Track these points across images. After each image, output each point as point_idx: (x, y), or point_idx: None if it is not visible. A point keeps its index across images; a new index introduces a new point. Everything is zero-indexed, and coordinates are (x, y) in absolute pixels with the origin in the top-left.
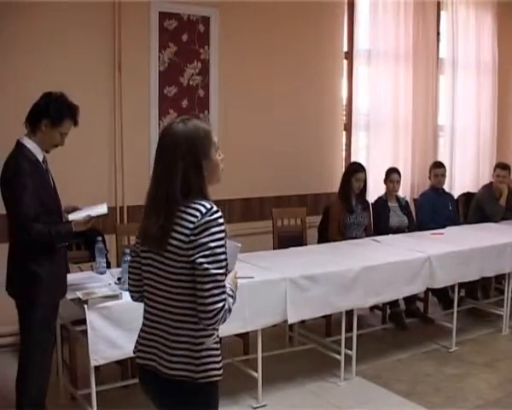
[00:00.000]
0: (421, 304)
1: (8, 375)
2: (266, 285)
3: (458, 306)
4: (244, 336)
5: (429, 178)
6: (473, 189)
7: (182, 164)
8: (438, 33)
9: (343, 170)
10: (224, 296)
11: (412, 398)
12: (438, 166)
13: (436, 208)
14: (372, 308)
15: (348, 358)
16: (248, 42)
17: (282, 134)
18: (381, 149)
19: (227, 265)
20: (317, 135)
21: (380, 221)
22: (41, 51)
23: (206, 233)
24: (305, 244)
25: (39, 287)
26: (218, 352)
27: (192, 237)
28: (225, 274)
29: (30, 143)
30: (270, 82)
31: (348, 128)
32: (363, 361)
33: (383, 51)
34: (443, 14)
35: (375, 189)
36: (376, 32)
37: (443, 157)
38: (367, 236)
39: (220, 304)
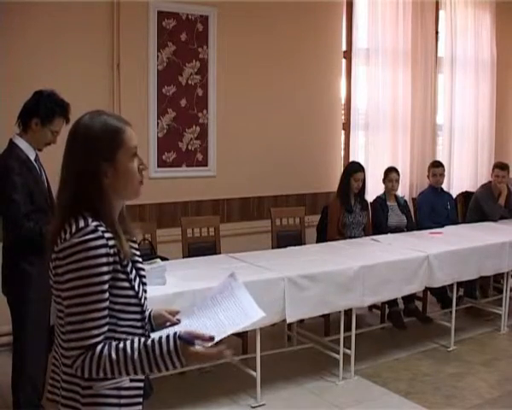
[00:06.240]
0: (420, 303)
1: (4, 374)
2: (265, 284)
3: (457, 305)
4: (243, 336)
5: (428, 177)
6: (471, 188)
7: (76, 165)
8: (436, 32)
9: (342, 169)
10: (86, 344)
11: (411, 397)
12: (436, 165)
13: (435, 208)
14: (371, 308)
15: (347, 357)
16: (247, 41)
17: (281, 133)
18: (379, 148)
19: (99, 301)
20: (316, 134)
21: (378, 220)
22: (39, 50)
23: (70, 260)
24: (304, 244)
25: (30, 284)
26: (116, 401)
27: (57, 262)
28: (96, 310)
29: (22, 142)
30: (268, 81)
31: (347, 127)
32: (362, 361)
33: (382, 50)
34: (441, 13)
35: (374, 188)
36: (375, 31)
37: (441, 156)
38: (366, 235)
39: (75, 352)
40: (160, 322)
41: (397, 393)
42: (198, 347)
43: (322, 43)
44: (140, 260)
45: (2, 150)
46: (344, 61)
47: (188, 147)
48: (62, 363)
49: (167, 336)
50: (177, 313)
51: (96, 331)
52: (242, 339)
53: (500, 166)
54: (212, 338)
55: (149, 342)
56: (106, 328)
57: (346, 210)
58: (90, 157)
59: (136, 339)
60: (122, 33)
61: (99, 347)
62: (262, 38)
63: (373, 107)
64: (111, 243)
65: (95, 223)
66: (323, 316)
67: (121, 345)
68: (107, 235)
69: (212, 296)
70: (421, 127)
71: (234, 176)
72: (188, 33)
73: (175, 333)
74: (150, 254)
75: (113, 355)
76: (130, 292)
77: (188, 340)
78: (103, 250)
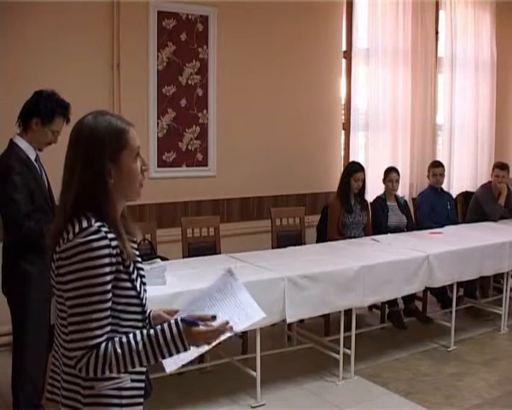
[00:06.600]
0: (420, 303)
1: (4, 374)
2: (265, 284)
3: (457, 305)
4: (243, 336)
5: (428, 177)
6: (471, 188)
7: (80, 165)
8: (436, 32)
9: (342, 169)
10: (89, 344)
11: (411, 397)
12: (436, 165)
13: (435, 208)
14: (371, 308)
15: (347, 357)
16: (247, 41)
17: (281, 133)
18: (379, 148)
19: (102, 302)
20: (316, 134)
21: (378, 220)
22: (39, 50)
23: (73, 260)
24: (304, 244)
25: (30, 284)
26: (117, 401)
27: (60, 262)
28: (99, 310)
29: (22, 142)
30: (268, 81)
31: (347, 127)
32: (362, 361)
33: (382, 50)
34: (441, 13)
35: (374, 188)
36: (375, 31)
37: (441, 156)
38: (366, 235)
39: (79, 352)
40: (159, 323)
41: (397, 393)
42: (201, 326)
43: (322, 43)
44: (139, 259)
45: (3, 150)
46: (344, 61)
47: (188, 147)
48: (63, 363)
49: (169, 323)
50: (176, 312)
51: (99, 331)
52: (242, 339)
53: (500, 166)
54: (214, 317)
55: (152, 331)
56: (109, 328)
57: (346, 210)
58: (96, 157)
59: (137, 332)
60: (122, 33)
61: (103, 345)
62: (262, 37)
63: (373, 107)
64: (114, 243)
65: (98, 223)
66: (323, 316)
67: (124, 339)
68: (110, 235)
69: (211, 295)
70: (421, 127)
71: (234, 176)
72: (188, 33)
73: (176, 318)
74: (150, 254)
75: (118, 350)
76: (132, 292)
77: (191, 321)
78: (106, 251)
